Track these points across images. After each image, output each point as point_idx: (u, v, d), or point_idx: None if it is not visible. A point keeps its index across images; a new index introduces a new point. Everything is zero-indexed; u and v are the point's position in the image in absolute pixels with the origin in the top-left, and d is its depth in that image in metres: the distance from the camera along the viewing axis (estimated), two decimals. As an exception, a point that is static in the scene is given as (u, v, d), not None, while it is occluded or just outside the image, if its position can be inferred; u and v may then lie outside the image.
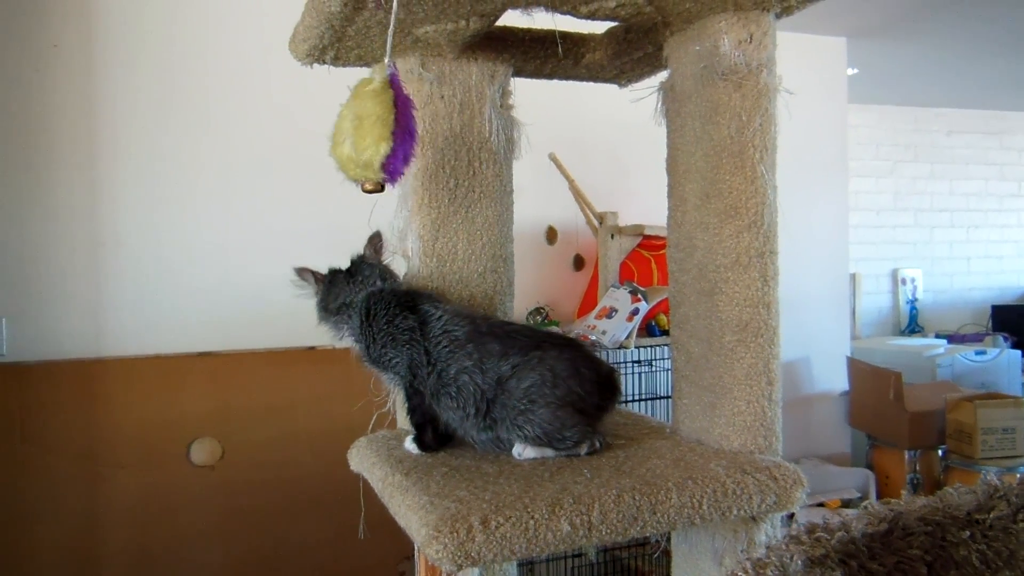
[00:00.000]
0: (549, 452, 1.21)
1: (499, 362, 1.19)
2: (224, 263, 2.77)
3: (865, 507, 0.67)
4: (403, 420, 1.43)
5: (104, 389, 2.53)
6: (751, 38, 1.19)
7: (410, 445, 1.27)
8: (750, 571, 0.57)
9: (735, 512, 1.09)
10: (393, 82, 1.04)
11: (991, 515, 0.66)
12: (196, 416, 2.59)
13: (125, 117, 2.67)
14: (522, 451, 1.21)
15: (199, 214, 2.75)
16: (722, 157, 1.21)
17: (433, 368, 1.22)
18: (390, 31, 1.05)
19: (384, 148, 1.02)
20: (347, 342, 1.31)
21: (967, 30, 3.93)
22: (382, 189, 1.07)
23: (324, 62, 1.36)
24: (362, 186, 1.07)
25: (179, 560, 2.54)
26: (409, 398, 1.27)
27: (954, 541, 0.64)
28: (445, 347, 1.21)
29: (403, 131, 1.03)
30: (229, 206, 2.78)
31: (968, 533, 0.65)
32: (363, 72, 1.45)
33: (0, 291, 2.53)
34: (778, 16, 1.23)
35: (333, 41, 1.27)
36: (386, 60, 1.05)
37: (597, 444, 1.23)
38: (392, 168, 1.03)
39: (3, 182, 2.55)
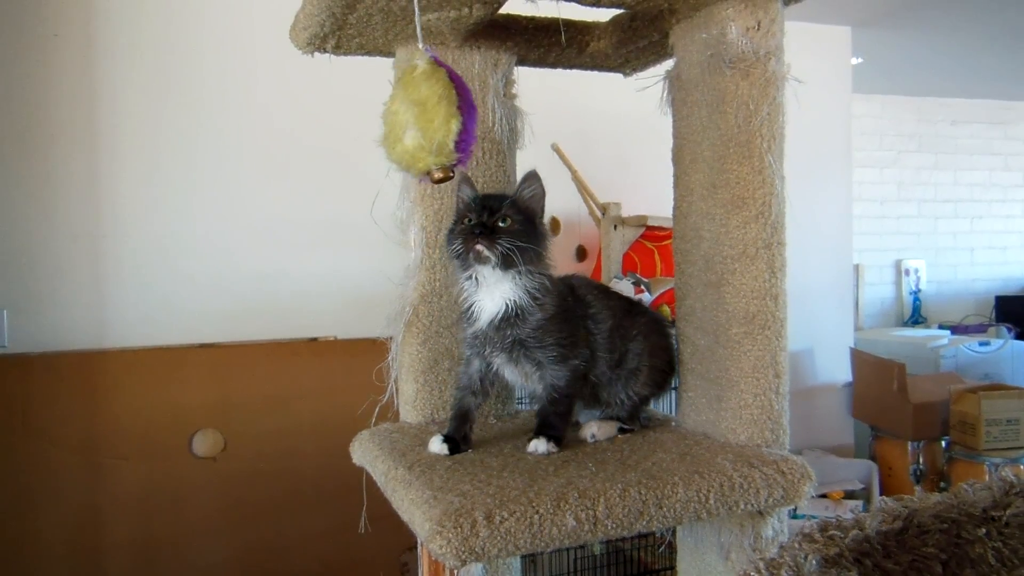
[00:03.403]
0: (613, 429, 1.27)
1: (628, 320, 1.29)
2: (225, 254, 2.75)
3: (879, 504, 0.66)
4: (407, 413, 1.41)
5: (106, 381, 2.51)
6: (759, 25, 1.17)
7: (439, 447, 1.18)
8: (763, 571, 0.56)
9: (742, 506, 1.08)
10: (438, 61, 1.01)
11: (1007, 512, 0.65)
12: (198, 408, 2.58)
13: (126, 108, 2.65)
14: (596, 432, 1.25)
15: (200, 205, 2.73)
16: (729, 146, 1.19)
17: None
18: (416, 16, 1.03)
19: (455, 124, 0.97)
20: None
21: (972, 19, 3.90)
22: (452, 175, 1.01)
23: (325, 51, 1.35)
24: (431, 176, 1.00)
25: (181, 551, 2.54)
26: (572, 384, 1.19)
27: (969, 539, 0.63)
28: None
29: (467, 104, 1.00)
30: (230, 197, 2.76)
31: (984, 530, 0.64)
32: (364, 61, 1.45)
33: (1, 283, 2.52)
34: (786, 3, 1.21)
35: (334, 29, 1.25)
36: (419, 44, 1.02)
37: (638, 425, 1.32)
38: (465, 144, 0.99)
39: (3, 173, 2.53)
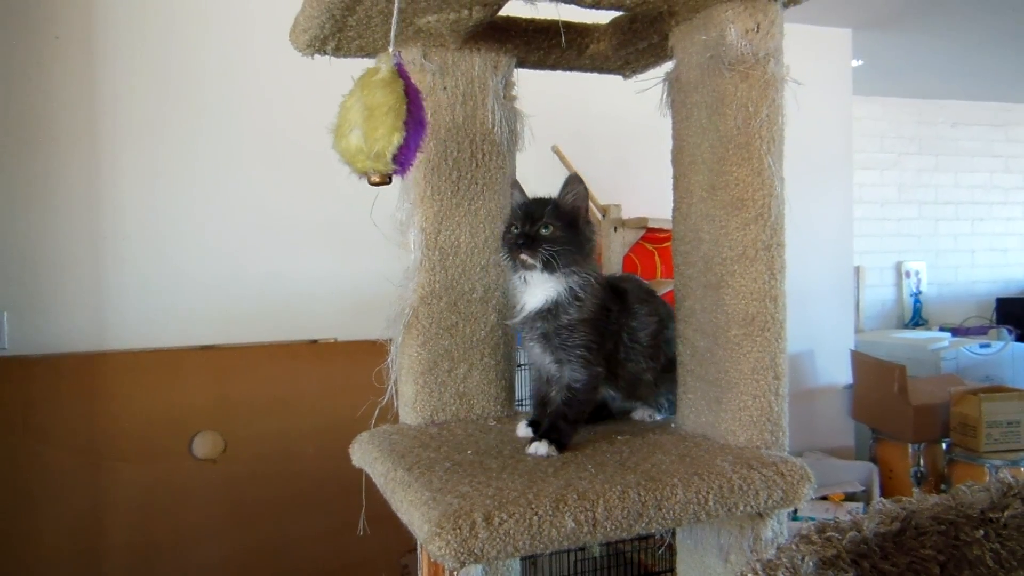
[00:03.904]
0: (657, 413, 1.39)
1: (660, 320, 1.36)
2: (226, 256, 2.76)
3: (877, 506, 0.66)
4: (406, 415, 1.41)
5: (106, 383, 2.52)
6: (758, 27, 1.17)
7: (524, 431, 1.27)
8: (760, 572, 0.56)
9: (741, 508, 1.08)
10: (401, 71, 1.02)
11: (1005, 513, 0.65)
12: (198, 409, 2.58)
13: (126, 110, 2.66)
14: (645, 415, 1.37)
15: (201, 207, 2.73)
16: (728, 148, 1.19)
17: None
18: (394, 19, 1.03)
19: (397, 139, 1.00)
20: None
21: (973, 21, 3.90)
22: (389, 181, 1.05)
23: (325, 53, 1.35)
24: (368, 178, 1.04)
25: (181, 553, 2.54)
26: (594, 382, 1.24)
27: (967, 540, 0.63)
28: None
29: (414, 121, 1.01)
30: (231, 199, 2.77)
31: (982, 532, 0.64)
32: (365, 63, 1.45)
33: (1, 285, 2.53)
34: (785, 5, 1.21)
35: (334, 31, 1.26)
36: (390, 49, 1.03)
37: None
38: (403, 159, 1.01)
39: (4, 175, 2.54)
